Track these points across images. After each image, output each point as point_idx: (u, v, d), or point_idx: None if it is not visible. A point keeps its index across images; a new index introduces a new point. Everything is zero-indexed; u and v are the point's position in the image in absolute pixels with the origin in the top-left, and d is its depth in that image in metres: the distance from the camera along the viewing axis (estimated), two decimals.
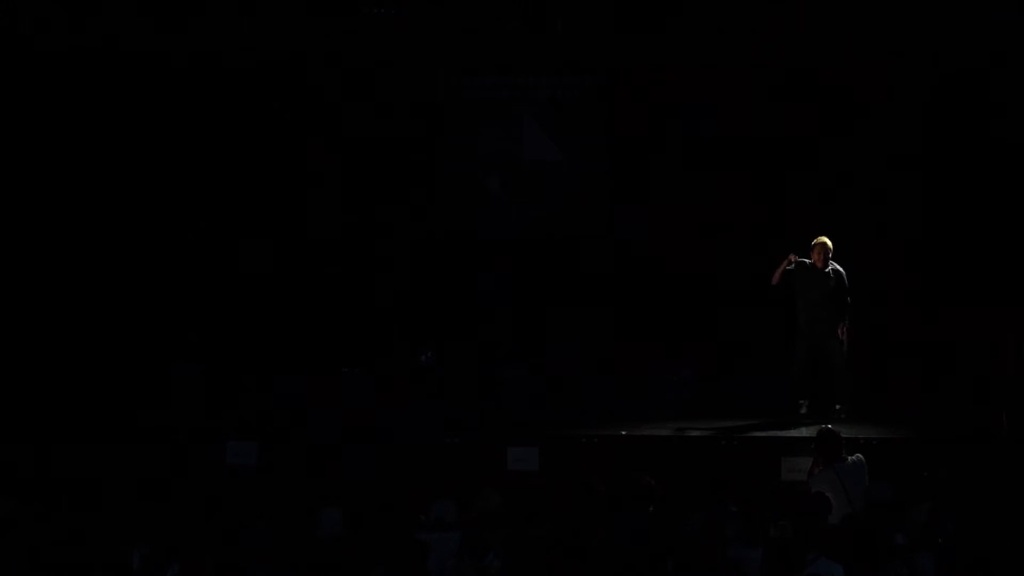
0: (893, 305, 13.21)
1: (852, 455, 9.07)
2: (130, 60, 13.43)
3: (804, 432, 10.56)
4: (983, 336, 12.83)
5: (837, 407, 11.04)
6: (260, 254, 13.65)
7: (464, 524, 8.02)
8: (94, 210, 13.53)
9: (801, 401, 11.20)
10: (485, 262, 14.00)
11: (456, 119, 14.14)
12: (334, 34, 13.48)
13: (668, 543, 7.28)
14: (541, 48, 13.69)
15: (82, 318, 13.47)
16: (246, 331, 13.39)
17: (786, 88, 13.52)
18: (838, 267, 11.25)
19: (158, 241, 13.59)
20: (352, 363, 13.80)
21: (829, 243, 11.25)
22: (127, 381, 12.74)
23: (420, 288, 13.89)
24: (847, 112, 13.48)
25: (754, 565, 7.19)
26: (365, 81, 13.82)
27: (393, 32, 13.42)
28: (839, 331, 11.10)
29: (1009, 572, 7.25)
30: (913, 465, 9.59)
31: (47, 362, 12.91)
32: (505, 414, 12.12)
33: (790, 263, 11.17)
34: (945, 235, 13.31)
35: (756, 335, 13.33)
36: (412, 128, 13.93)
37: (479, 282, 13.78)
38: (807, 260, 11.25)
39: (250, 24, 13.32)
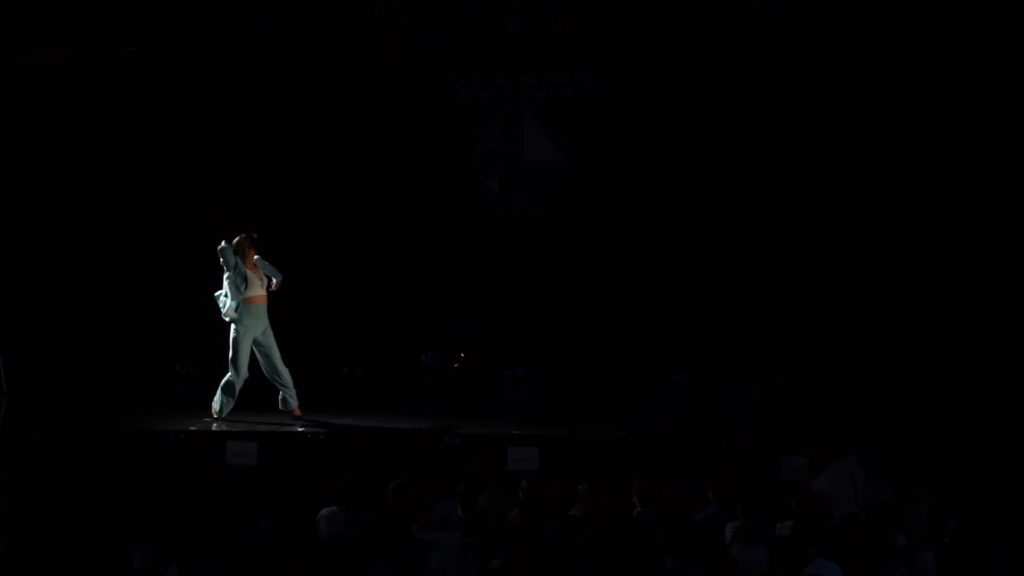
0: (893, 305, 13.28)
1: (849, 453, 9.12)
2: None
3: (804, 432, 10.57)
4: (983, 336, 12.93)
5: None
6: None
7: (465, 524, 8.03)
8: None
9: None
10: (484, 262, 14.01)
11: (456, 119, 14.14)
12: (339, 34, 13.47)
13: (669, 542, 7.27)
14: (541, 48, 13.69)
15: (85, 316, 13.54)
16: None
17: (787, 88, 13.55)
18: None
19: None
20: (353, 362, 13.83)
21: None
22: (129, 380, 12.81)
23: (420, 288, 13.90)
24: (848, 111, 13.52)
25: (755, 564, 7.19)
26: (364, 81, 13.84)
27: (394, 32, 13.41)
28: None
29: (1009, 572, 7.25)
30: (913, 465, 9.58)
31: (50, 361, 12.96)
32: (505, 414, 12.13)
33: None
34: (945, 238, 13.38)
35: (756, 335, 13.37)
36: (412, 128, 13.96)
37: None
38: None
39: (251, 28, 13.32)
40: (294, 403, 10.98)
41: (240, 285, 10.69)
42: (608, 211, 13.98)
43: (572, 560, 7.08)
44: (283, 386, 10.96)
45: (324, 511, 8.29)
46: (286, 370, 10.97)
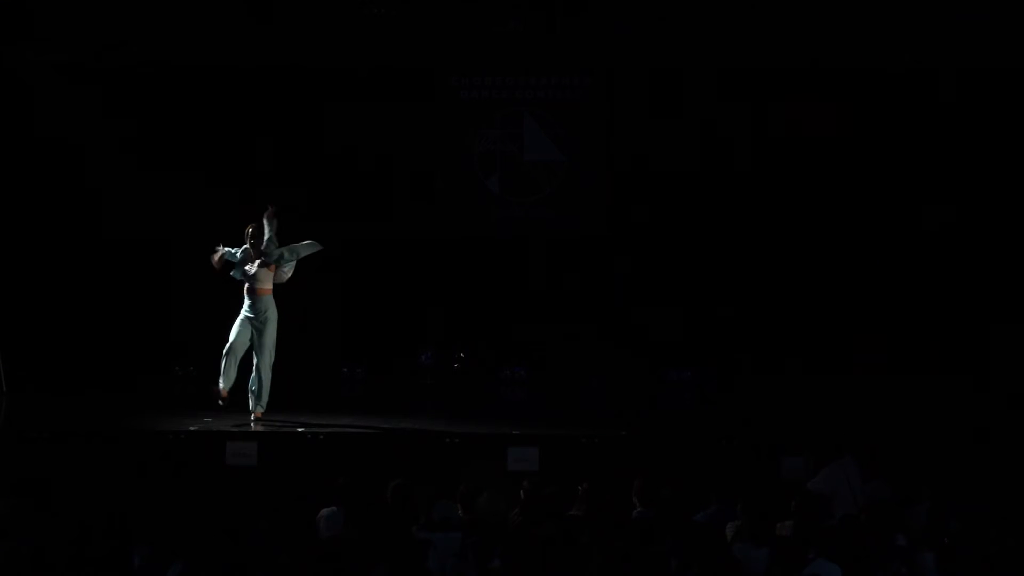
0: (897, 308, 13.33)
1: (847, 454, 9.14)
2: None
3: (803, 432, 10.59)
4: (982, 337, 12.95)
5: None
6: None
7: (465, 524, 8.03)
8: None
9: None
10: (485, 262, 14.02)
11: (456, 119, 14.14)
12: (334, 34, 13.47)
13: (671, 542, 7.27)
14: (541, 48, 13.69)
15: (85, 316, 13.54)
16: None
17: (789, 88, 13.57)
18: None
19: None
20: (352, 362, 13.83)
21: None
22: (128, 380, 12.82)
23: (420, 288, 13.89)
24: (851, 110, 13.55)
25: (755, 564, 7.19)
26: (365, 81, 13.84)
27: (393, 32, 13.41)
28: None
29: (1010, 572, 7.25)
30: (913, 465, 9.59)
31: (50, 361, 12.97)
32: (505, 414, 12.14)
33: None
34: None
35: (756, 334, 13.38)
36: (411, 128, 13.96)
37: None
38: None
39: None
40: (255, 407, 10.96)
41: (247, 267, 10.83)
42: (607, 211, 13.97)
43: (572, 560, 7.07)
44: (256, 386, 10.93)
45: (324, 511, 8.29)
46: (267, 375, 10.91)
